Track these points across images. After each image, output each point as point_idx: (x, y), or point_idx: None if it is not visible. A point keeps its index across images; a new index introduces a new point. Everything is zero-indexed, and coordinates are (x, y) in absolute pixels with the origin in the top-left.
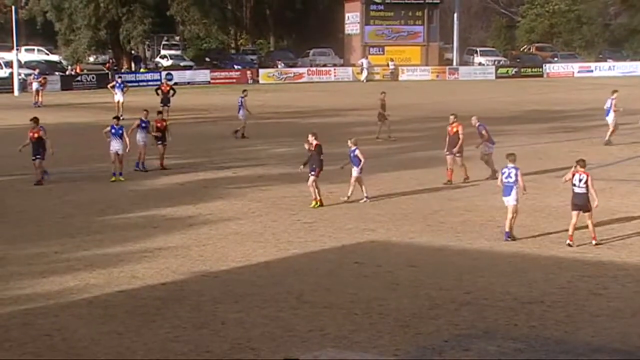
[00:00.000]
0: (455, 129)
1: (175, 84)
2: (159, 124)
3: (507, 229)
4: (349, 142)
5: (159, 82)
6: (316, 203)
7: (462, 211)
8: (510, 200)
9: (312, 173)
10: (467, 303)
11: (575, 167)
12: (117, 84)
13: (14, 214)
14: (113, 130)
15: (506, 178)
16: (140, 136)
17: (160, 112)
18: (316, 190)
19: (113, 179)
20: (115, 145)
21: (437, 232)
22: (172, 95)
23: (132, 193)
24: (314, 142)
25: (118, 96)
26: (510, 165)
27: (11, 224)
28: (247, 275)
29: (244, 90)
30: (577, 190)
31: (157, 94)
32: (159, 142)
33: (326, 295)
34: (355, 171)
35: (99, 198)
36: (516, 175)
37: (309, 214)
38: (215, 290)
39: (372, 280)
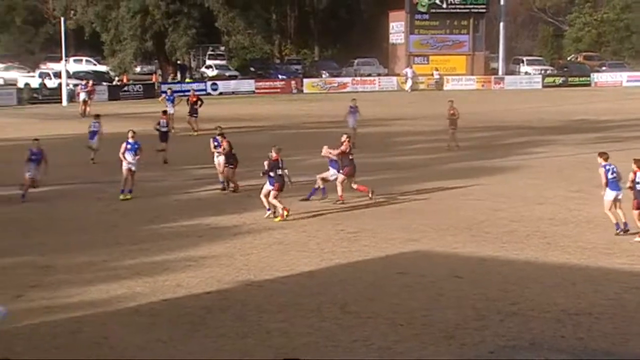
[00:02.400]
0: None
1: (220, 93)
2: (224, 144)
3: (623, 220)
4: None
5: (204, 91)
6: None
7: (507, 221)
8: (620, 194)
9: (341, 172)
10: (513, 314)
11: (633, 167)
12: (168, 97)
13: (63, 223)
14: (129, 146)
15: (611, 174)
16: (129, 158)
17: (165, 112)
18: (339, 188)
19: (122, 197)
20: (129, 160)
21: (481, 242)
22: (200, 106)
23: (177, 202)
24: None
25: (169, 109)
26: (607, 162)
27: (60, 233)
28: (291, 285)
29: (353, 99)
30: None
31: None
32: (229, 165)
33: (370, 306)
34: (332, 174)
35: (145, 207)
36: (616, 170)
37: (352, 224)
38: (259, 300)
39: (415, 290)
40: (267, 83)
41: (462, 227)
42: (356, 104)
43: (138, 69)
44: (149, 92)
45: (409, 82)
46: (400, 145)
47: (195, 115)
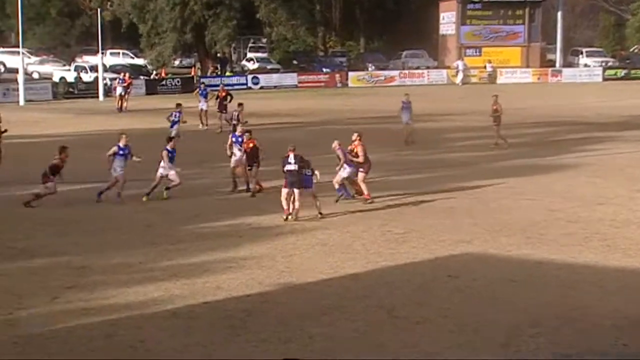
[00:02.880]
0: None
1: (262, 87)
2: (248, 145)
3: None
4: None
5: (245, 85)
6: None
7: (564, 223)
8: None
9: (361, 170)
10: (571, 320)
11: None
12: (201, 91)
13: (99, 222)
14: (120, 150)
15: None
16: (117, 165)
17: (179, 104)
18: (363, 186)
19: (144, 198)
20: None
21: (537, 244)
22: (229, 101)
23: (218, 201)
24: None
25: (202, 104)
26: None
27: (96, 233)
28: (335, 288)
29: (406, 94)
30: None
31: (216, 99)
32: (250, 167)
33: (418, 310)
34: (346, 171)
35: (183, 206)
36: None
37: (399, 224)
38: (302, 303)
39: (467, 294)
40: (311, 76)
41: (516, 228)
42: (409, 99)
43: (177, 62)
44: (188, 86)
45: (460, 75)
46: (450, 141)
47: (224, 111)
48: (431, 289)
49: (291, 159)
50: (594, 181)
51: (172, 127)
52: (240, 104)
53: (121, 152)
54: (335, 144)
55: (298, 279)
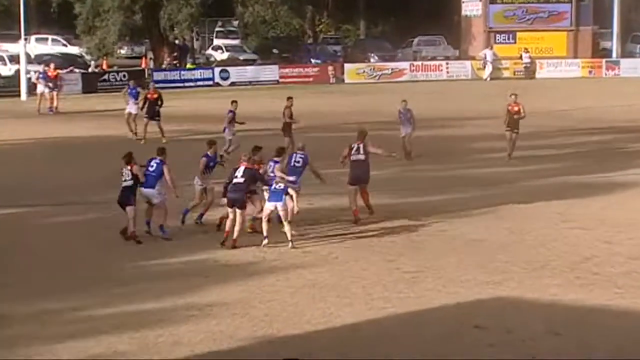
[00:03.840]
0: None
1: (233, 84)
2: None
3: None
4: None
5: (210, 81)
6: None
7: (624, 259)
8: None
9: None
10: None
11: None
12: (130, 90)
13: (22, 256)
14: (150, 168)
15: None
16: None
17: (234, 102)
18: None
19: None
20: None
21: (589, 287)
22: (161, 105)
23: (174, 230)
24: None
25: (130, 107)
26: None
27: (17, 270)
28: (327, 342)
29: (404, 101)
30: None
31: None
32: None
33: None
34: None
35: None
36: None
37: (411, 260)
38: None
39: (500, 351)
40: (296, 70)
41: (562, 266)
42: (407, 107)
43: (123, 51)
44: (138, 81)
45: (488, 69)
46: (476, 153)
47: (157, 118)
48: (453, 343)
49: (240, 171)
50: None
51: (225, 131)
52: (234, 102)
53: (211, 163)
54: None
55: (280, 331)
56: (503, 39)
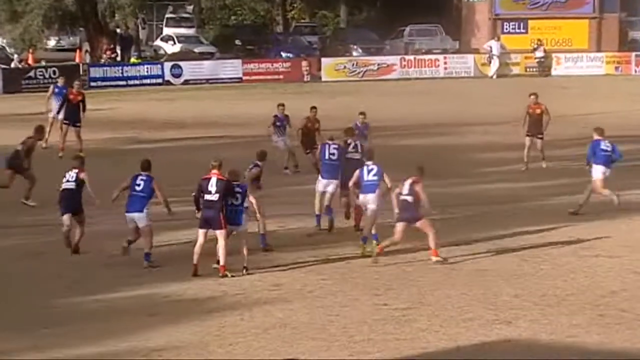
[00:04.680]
0: None
1: (186, 82)
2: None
3: None
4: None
5: (160, 79)
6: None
7: None
8: None
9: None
10: None
11: None
12: (58, 90)
13: None
14: (137, 187)
15: None
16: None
17: (281, 105)
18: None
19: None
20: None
21: (615, 326)
22: (84, 110)
23: (114, 260)
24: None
25: (55, 110)
26: None
27: None
28: None
29: (362, 113)
30: None
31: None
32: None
33: None
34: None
35: (65, 267)
36: None
37: (401, 294)
38: None
39: None
40: (263, 65)
41: (583, 301)
42: (365, 120)
43: (52, 43)
44: (70, 79)
45: (495, 64)
46: (480, 166)
47: (77, 125)
48: None
49: (212, 184)
50: None
51: (278, 139)
52: (312, 107)
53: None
54: None
55: None
56: (512, 29)
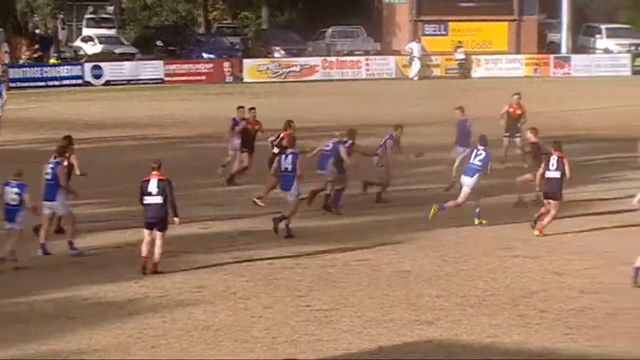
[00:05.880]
0: None
1: (107, 83)
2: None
3: None
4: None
5: (80, 79)
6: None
7: (576, 293)
8: None
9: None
10: None
11: None
12: None
13: None
14: (47, 176)
15: None
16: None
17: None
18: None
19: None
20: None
21: (534, 326)
22: (2, 104)
23: (35, 262)
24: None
25: None
26: None
27: None
28: None
29: (244, 107)
30: None
31: None
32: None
33: None
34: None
35: None
36: None
37: (324, 295)
38: None
39: None
40: (185, 66)
41: (503, 301)
42: (245, 116)
43: None
44: None
45: (416, 66)
46: (405, 167)
47: None
48: None
49: (153, 185)
50: (621, 229)
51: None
52: (251, 108)
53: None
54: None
55: None
56: (433, 31)
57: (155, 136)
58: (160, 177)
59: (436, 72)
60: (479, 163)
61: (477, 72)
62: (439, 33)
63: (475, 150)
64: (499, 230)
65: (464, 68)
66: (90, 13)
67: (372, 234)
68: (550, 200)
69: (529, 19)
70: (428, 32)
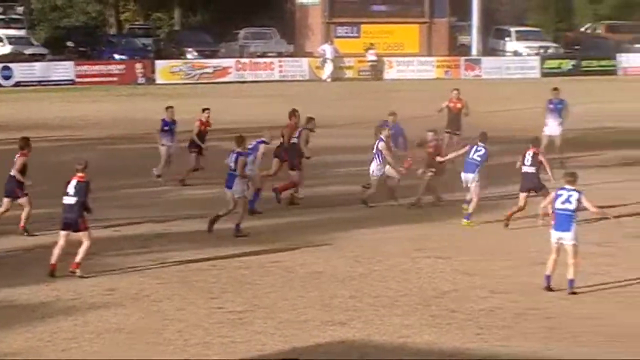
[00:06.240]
0: None
1: (17, 84)
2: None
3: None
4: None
5: None
6: None
7: (486, 293)
8: (568, 238)
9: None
10: None
11: None
12: None
13: None
14: None
15: (562, 203)
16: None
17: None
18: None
19: None
20: None
21: (445, 327)
22: None
23: None
24: None
25: None
26: (569, 187)
27: None
28: None
29: (169, 107)
30: None
31: None
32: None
33: None
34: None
35: None
36: (578, 200)
37: (237, 297)
38: None
39: None
40: (96, 67)
41: (415, 302)
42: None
43: None
44: None
45: (328, 67)
46: (319, 168)
47: None
48: None
49: (72, 186)
50: (530, 228)
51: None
52: (205, 109)
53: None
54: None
55: None
56: (345, 33)
57: (67, 137)
58: (80, 179)
59: (349, 74)
60: (478, 158)
61: (389, 74)
62: (351, 35)
63: (475, 147)
64: (413, 231)
65: (376, 70)
66: None
67: (287, 236)
68: (532, 193)
69: (439, 21)
70: (340, 34)
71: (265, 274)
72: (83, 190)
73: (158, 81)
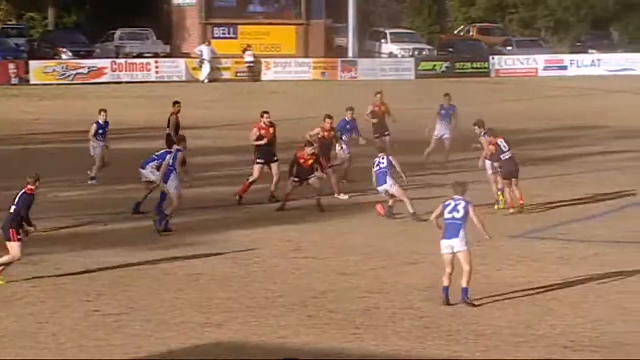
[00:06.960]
0: None
1: None
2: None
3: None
4: None
5: None
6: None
7: (362, 293)
8: (458, 245)
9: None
10: None
11: None
12: None
13: None
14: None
15: (450, 213)
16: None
17: None
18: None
19: None
20: None
21: (323, 327)
22: None
23: None
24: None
25: None
26: (458, 197)
27: None
28: None
29: (102, 111)
30: None
31: None
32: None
33: None
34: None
35: None
36: (466, 210)
37: (113, 300)
38: None
39: None
40: None
41: (292, 302)
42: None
43: None
44: None
45: (206, 69)
46: (194, 170)
47: None
48: None
49: (17, 197)
50: (406, 228)
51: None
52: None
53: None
54: None
55: None
56: (222, 34)
57: None
58: (26, 191)
59: (226, 75)
60: (385, 168)
61: (266, 76)
62: (228, 36)
63: (378, 160)
64: (290, 232)
65: (254, 71)
66: None
67: (165, 238)
68: (514, 179)
69: (316, 23)
70: (218, 36)
71: (143, 277)
72: (22, 201)
73: (32, 82)
